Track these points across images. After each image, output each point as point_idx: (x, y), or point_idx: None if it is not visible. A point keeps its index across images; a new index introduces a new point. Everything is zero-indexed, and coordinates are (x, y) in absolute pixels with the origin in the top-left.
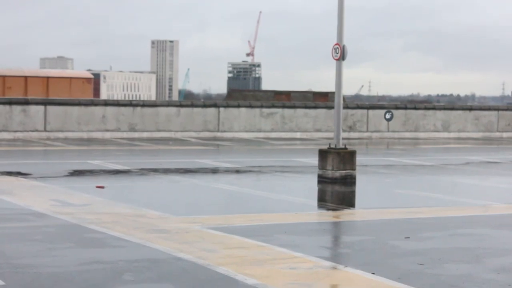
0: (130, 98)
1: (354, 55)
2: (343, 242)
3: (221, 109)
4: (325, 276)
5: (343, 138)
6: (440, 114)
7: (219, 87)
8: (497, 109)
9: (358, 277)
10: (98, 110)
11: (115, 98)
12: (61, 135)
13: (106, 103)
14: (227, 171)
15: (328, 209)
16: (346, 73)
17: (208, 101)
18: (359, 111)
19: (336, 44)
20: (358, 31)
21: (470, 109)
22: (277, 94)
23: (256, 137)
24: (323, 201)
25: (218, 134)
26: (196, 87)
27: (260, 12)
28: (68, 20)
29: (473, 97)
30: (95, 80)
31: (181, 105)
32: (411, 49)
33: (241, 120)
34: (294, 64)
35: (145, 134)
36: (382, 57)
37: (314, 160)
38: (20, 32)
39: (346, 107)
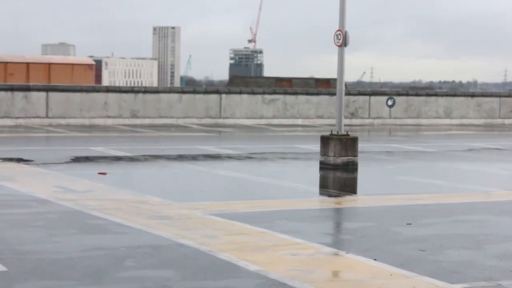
0: (132, 85)
1: (356, 42)
2: (345, 229)
3: (223, 95)
4: (327, 263)
5: (345, 125)
6: (442, 100)
7: (221, 73)
8: (499, 95)
9: (360, 263)
10: (100, 96)
11: (117, 84)
12: (63, 121)
13: (108, 90)
14: (229, 157)
15: (330, 196)
16: (348, 59)
17: (210, 88)
18: (361, 98)
19: (338, 31)
20: (360, 17)
21: (472, 95)
22: (279, 80)
23: (258, 124)
24: (325, 187)
25: (220, 121)
26: (198, 73)
27: None
28: (70, 6)
29: (475, 83)
30: (97, 67)
31: (183, 92)
32: (413, 36)
33: (243, 107)
34: (296, 50)
35: (147, 121)
36: (384, 44)
37: (316, 147)
38: (22, 18)
39: (348, 93)
